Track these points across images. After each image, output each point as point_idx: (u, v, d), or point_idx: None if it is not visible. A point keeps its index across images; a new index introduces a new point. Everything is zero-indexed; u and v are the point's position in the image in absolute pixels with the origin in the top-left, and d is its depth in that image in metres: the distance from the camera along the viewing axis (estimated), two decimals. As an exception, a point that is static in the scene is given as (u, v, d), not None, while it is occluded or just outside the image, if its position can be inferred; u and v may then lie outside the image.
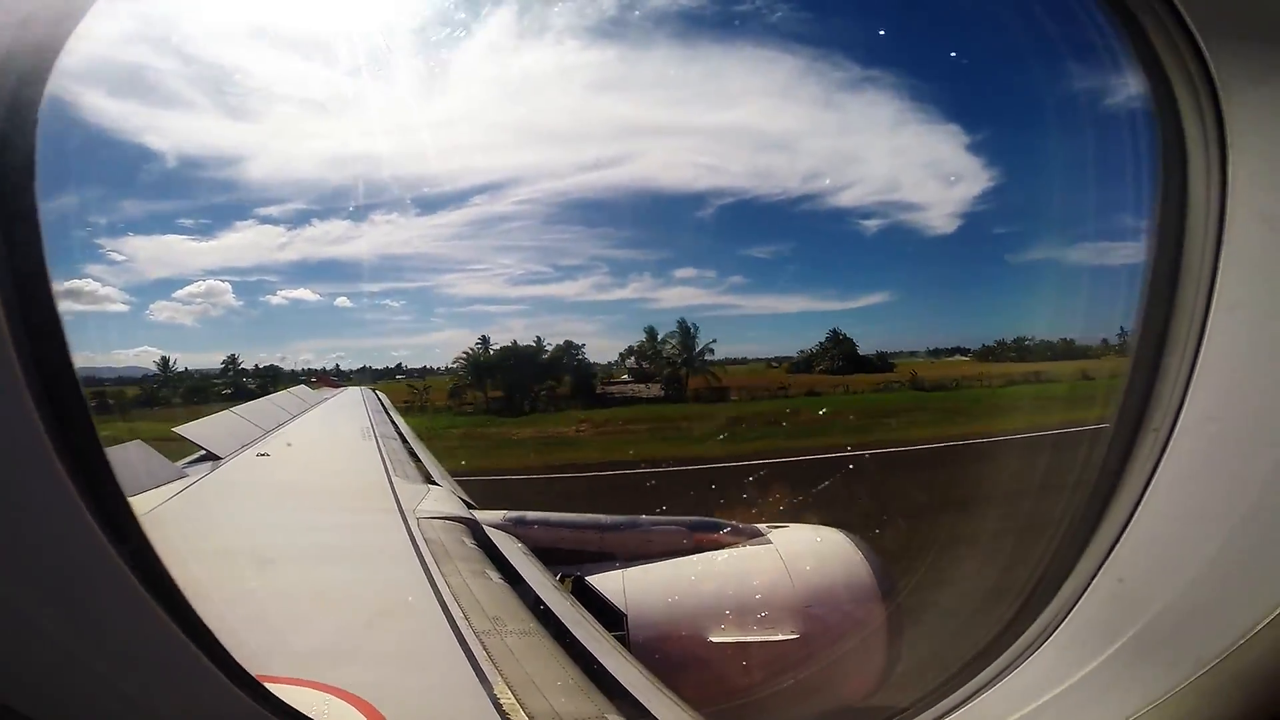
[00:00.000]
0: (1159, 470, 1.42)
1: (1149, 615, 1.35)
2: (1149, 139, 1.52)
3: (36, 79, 0.93)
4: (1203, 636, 1.24)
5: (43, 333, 0.91)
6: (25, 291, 0.89)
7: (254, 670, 1.87)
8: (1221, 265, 1.34)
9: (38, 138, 0.93)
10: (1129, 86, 1.56)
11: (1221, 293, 1.35)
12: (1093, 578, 1.49)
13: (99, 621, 0.99)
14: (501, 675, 2.16)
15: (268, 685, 1.82)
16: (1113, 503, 1.50)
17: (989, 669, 1.60)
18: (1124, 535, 1.46)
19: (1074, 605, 1.52)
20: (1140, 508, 1.44)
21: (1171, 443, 1.41)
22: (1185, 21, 1.29)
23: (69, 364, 0.95)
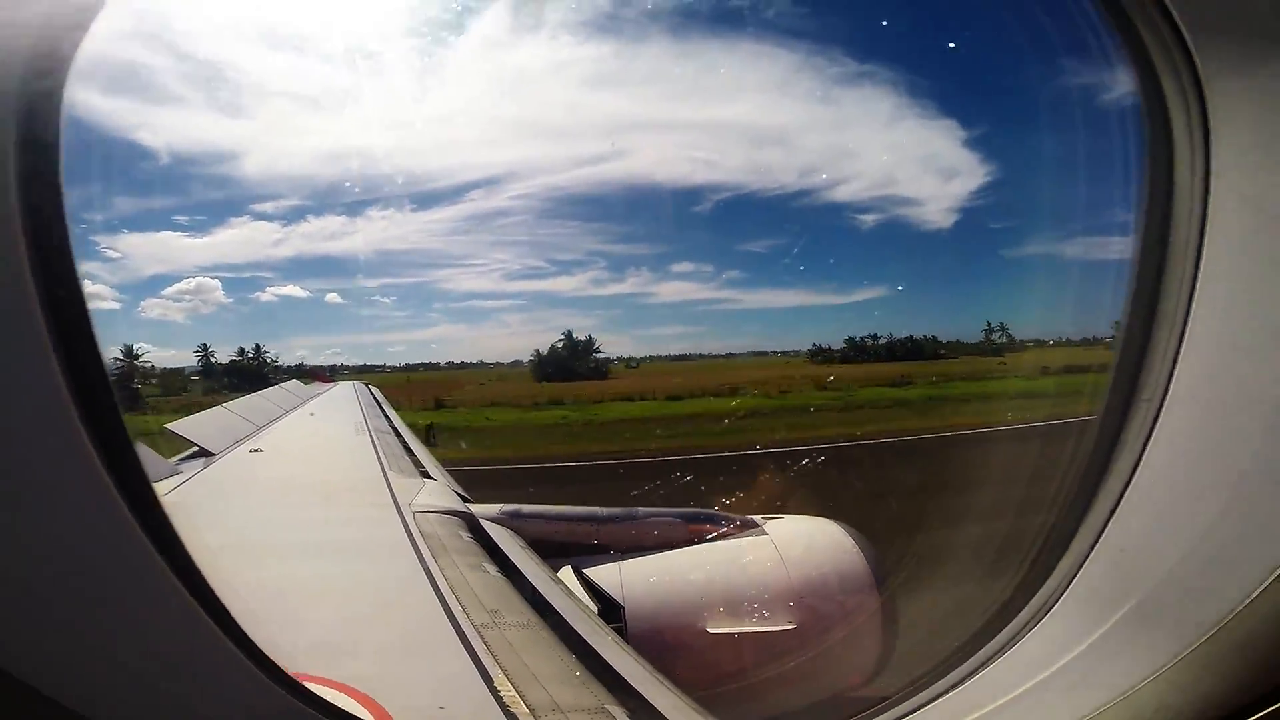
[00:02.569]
0: (1152, 438, 1.47)
1: (1151, 583, 1.39)
2: (1136, 129, 1.58)
3: (58, 76, 0.93)
4: (1204, 602, 1.27)
5: (77, 333, 0.92)
6: (61, 294, 0.89)
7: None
8: (1206, 242, 1.41)
9: (62, 136, 0.93)
10: (1118, 79, 1.61)
11: (1207, 267, 1.41)
12: (1092, 547, 1.54)
13: (141, 619, 1.01)
14: (501, 667, 2.18)
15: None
16: (1109, 472, 1.55)
17: (993, 642, 1.64)
18: (1120, 504, 1.50)
19: (1075, 576, 1.56)
20: (1136, 475, 1.48)
21: (1163, 411, 1.46)
22: (1172, 15, 1.34)
23: (101, 362, 0.96)
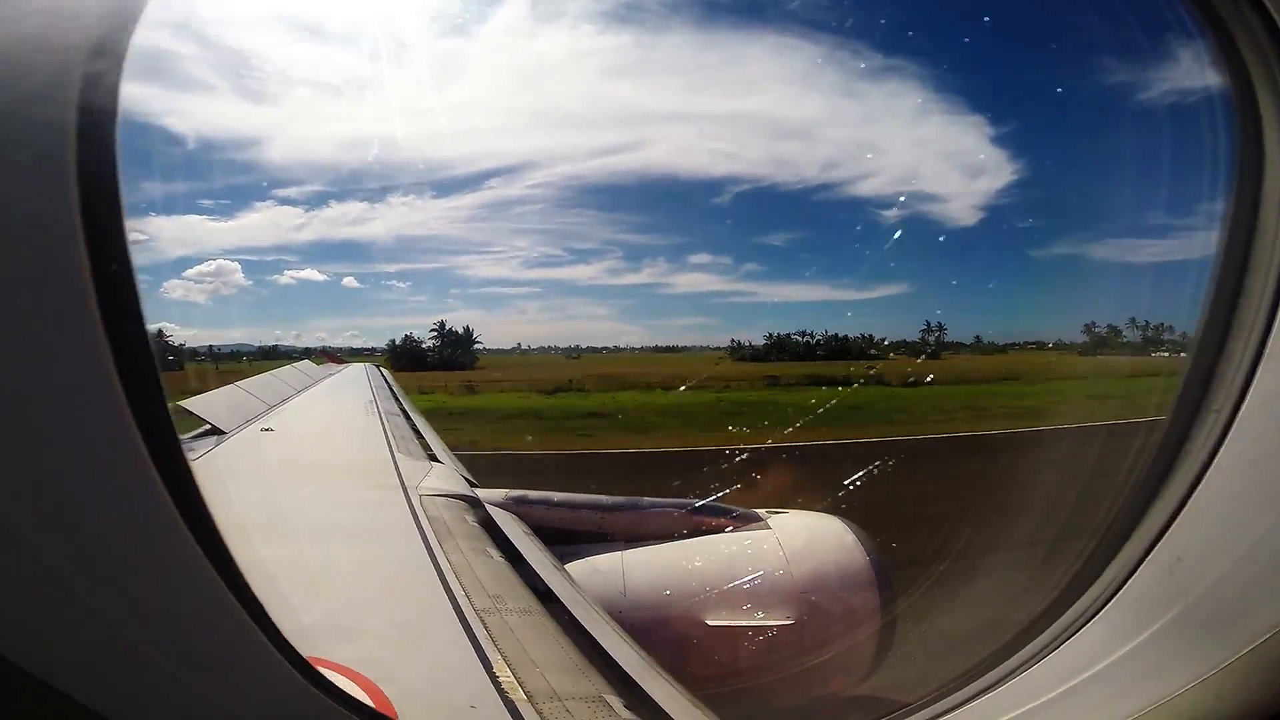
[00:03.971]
0: (1220, 451, 1.43)
1: (1200, 591, 1.37)
2: (1226, 130, 1.52)
3: (114, 69, 0.93)
4: (1254, 613, 1.25)
5: (128, 327, 0.92)
6: (117, 295, 0.90)
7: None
8: None
9: (118, 130, 0.93)
10: (1207, 78, 1.55)
11: None
12: (1147, 554, 1.51)
13: (182, 620, 1.03)
14: (501, 653, 2.19)
15: None
16: (1170, 481, 1.52)
17: (1037, 641, 1.63)
18: (1181, 514, 1.47)
19: (1126, 581, 1.54)
20: (1199, 488, 1.45)
21: (1235, 425, 1.42)
22: (1267, 11, 1.28)
23: (152, 360, 0.97)
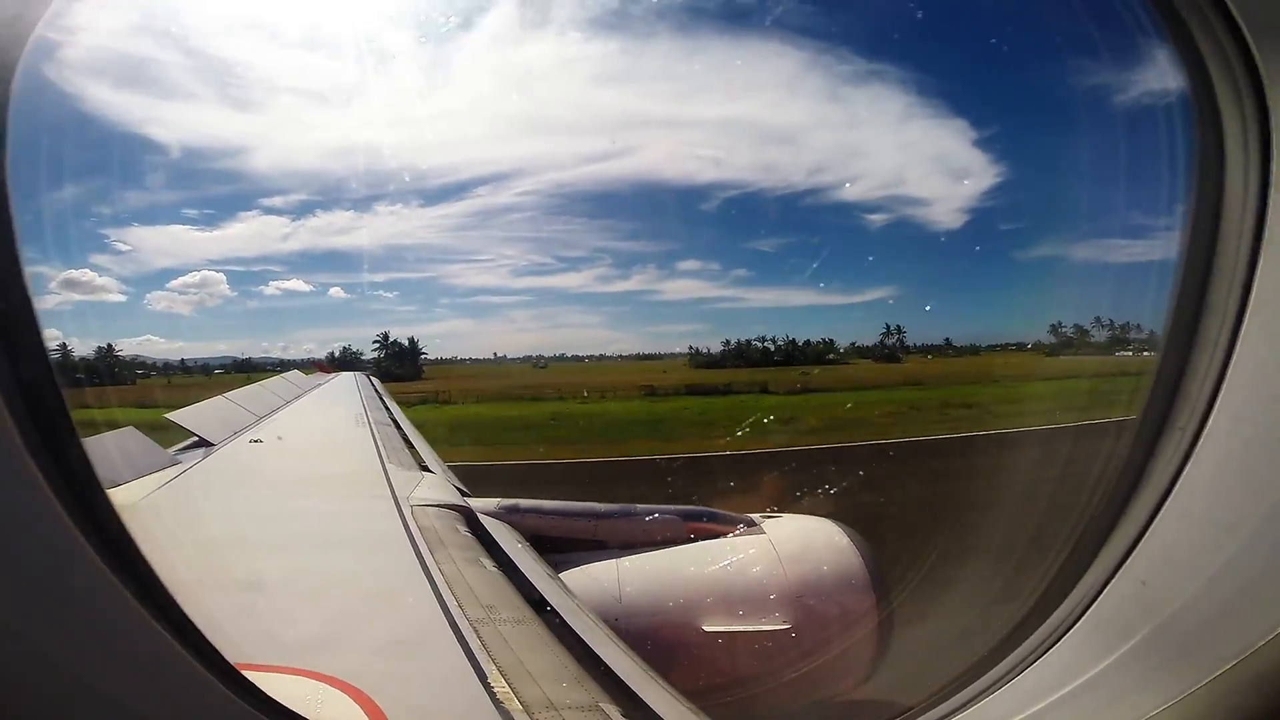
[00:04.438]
0: (1184, 471, 1.38)
1: (1167, 614, 1.32)
2: (1184, 133, 1.49)
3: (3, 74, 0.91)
4: (1221, 637, 1.22)
5: (15, 322, 0.90)
6: (4, 290, 0.87)
7: (246, 659, 1.87)
8: (1261, 262, 1.29)
9: (8, 126, 0.91)
10: (1162, 78, 1.53)
11: (1259, 291, 1.29)
12: (1111, 577, 1.46)
13: (75, 617, 0.97)
14: (495, 664, 2.17)
15: (262, 674, 1.83)
16: (1133, 502, 1.47)
17: (1000, 665, 1.59)
18: (1145, 536, 1.42)
19: (1090, 604, 1.49)
20: (1164, 509, 1.40)
21: (1199, 444, 1.36)
22: (1230, 12, 1.24)
23: (43, 353, 0.94)
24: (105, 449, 4.57)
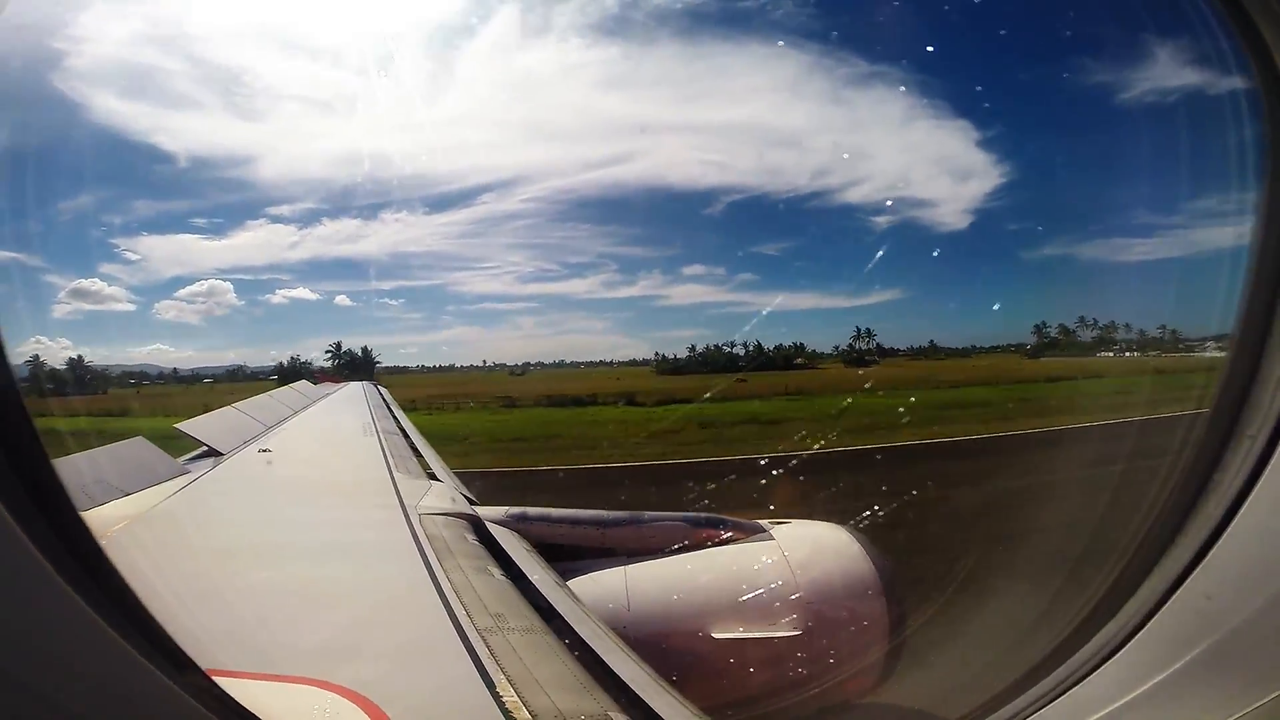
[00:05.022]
0: (1257, 484, 1.30)
1: (1231, 629, 1.26)
2: (1254, 125, 1.42)
3: None
4: None
5: None
6: None
7: (255, 668, 1.87)
8: None
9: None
10: (1230, 73, 1.46)
11: None
12: (1173, 589, 1.38)
13: (40, 639, 0.95)
14: (504, 672, 2.15)
15: (271, 683, 1.82)
16: (1198, 512, 1.39)
17: (1053, 675, 1.53)
18: (1212, 550, 1.34)
19: (1149, 616, 1.41)
20: (1233, 523, 1.32)
21: (1276, 454, 1.28)
22: None
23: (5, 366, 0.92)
24: (113, 459, 4.60)
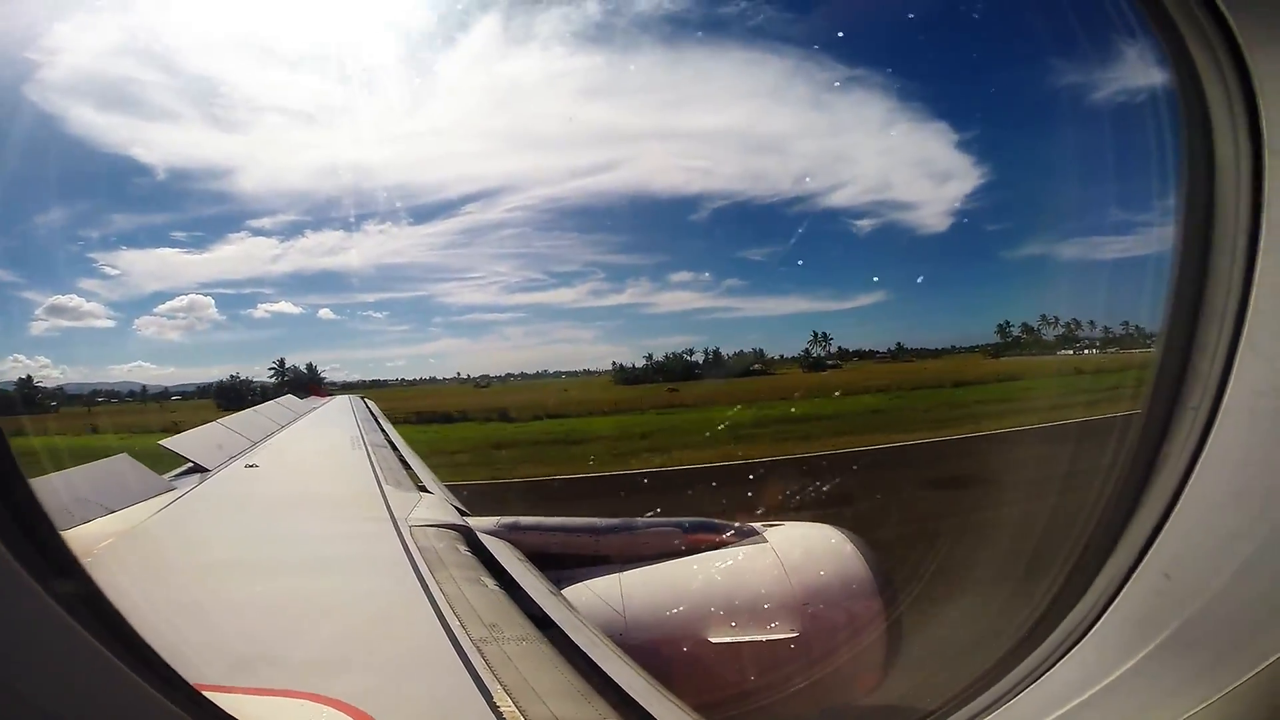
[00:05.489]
0: (1203, 452, 1.30)
1: (1196, 608, 1.25)
2: (1170, 113, 1.45)
3: None
4: (1260, 630, 1.15)
5: None
6: None
7: (248, 683, 1.84)
8: (1263, 229, 1.24)
9: None
10: (1145, 67, 1.50)
11: (1265, 258, 1.24)
12: (1132, 571, 1.38)
13: (27, 657, 0.93)
14: (501, 682, 2.14)
15: (265, 698, 1.80)
16: (1149, 490, 1.39)
17: (1021, 666, 1.53)
18: (1165, 526, 1.34)
19: (1111, 601, 1.41)
20: (1183, 495, 1.32)
21: (1217, 421, 1.29)
22: (1218, 9, 1.21)
23: None
24: (98, 476, 4.53)
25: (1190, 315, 1.36)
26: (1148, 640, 1.32)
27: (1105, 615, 1.44)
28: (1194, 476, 1.32)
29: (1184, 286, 1.38)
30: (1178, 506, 1.34)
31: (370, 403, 16.92)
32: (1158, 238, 1.56)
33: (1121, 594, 1.41)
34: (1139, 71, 1.64)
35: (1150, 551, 1.37)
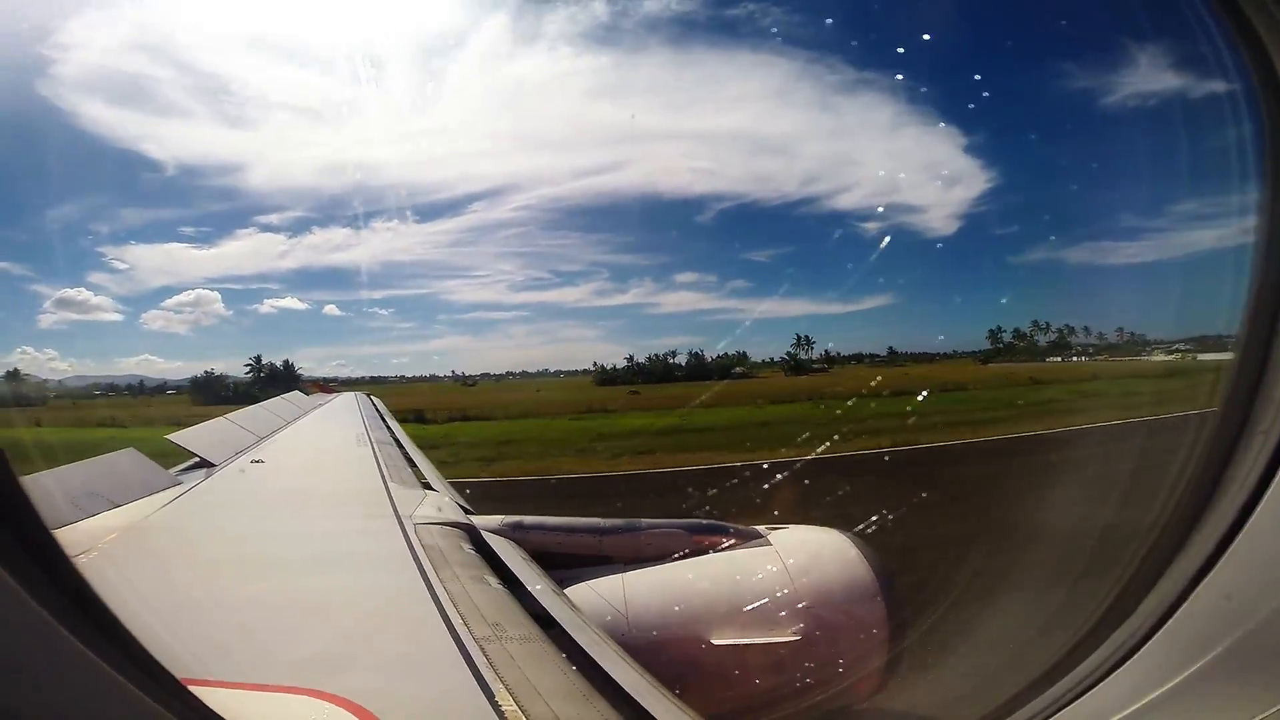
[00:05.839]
0: (1275, 478, 1.27)
1: (1253, 627, 1.23)
2: (1251, 118, 1.40)
3: None
4: None
5: None
6: None
7: (251, 679, 1.85)
8: None
9: None
10: (1225, 76, 1.45)
11: None
12: (1191, 589, 1.35)
13: (24, 656, 0.93)
14: (503, 681, 2.14)
15: (268, 694, 1.80)
16: (1212, 511, 1.36)
17: (1069, 677, 1.50)
18: (1230, 548, 1.31)
19: (1167, 617, 1.38)
20: (1250, 521, 1.29)
21: None
22: None
23: None
24: (104, 470, 4.56)
25: (1265, 344, 1.32)
26: (1201, 656, 1.29)
27: (1161, 630, 1.41)
28: (1261, 504, 1.29)
29: (1262, 305, 1.34)
30: (1243, 530, 1.31)
31: (376, 399, 16.98)
32: (1230, 241, 1.52)
33: (1180, 610, 1.38)
34: (1216, 75, 1.57)
35: (1212, 572, 1.34)
